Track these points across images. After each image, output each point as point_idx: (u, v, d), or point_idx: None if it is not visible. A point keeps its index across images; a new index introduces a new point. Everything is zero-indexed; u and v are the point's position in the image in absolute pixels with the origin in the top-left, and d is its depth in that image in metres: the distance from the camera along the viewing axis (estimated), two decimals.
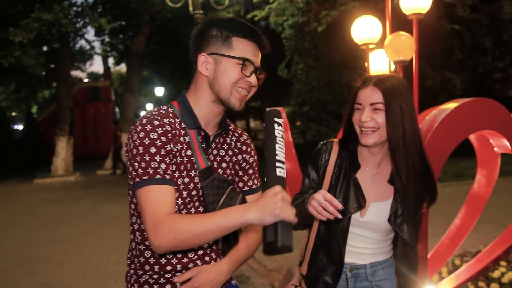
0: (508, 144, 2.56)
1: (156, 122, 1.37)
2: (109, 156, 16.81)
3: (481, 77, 14.96)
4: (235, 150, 1.58)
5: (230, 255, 1.51)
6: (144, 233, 1.43)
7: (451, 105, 2.35)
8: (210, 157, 1.49)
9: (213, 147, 1.51)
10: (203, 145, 1.47)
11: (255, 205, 1.24)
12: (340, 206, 1.53)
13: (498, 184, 3.19)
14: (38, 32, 12.44)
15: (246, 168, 1.61)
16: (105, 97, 23.99)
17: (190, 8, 8.31)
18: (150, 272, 1.43)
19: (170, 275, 1.43)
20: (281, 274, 4.72)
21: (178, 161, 1.39)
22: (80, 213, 8.99)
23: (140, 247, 1.44)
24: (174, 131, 1.39)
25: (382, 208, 1.74)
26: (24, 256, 6.02)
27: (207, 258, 1.48)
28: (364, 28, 3.28)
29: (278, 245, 1.21)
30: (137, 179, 1.32)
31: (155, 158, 1.33)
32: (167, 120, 1.40)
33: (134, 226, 1.46)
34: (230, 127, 1.59)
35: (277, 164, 1.29)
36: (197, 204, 1.45)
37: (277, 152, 1.30)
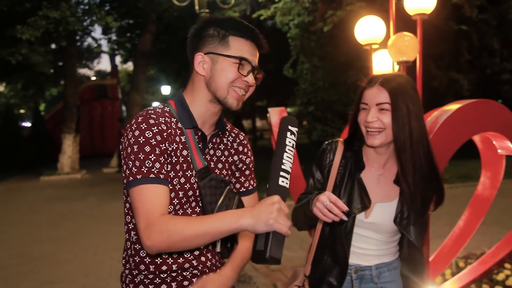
0: (511, 146, 2.53)
1: (151, 121, 1.35)
2: (115, 154, 16.88)
3: (489, 78, 14.83)
4: (231, 150, 1.57)
5: (232, 259, 1.50)
6: None
7: (453, 107, 2.33)
8: (206, 157, 1.48)
9: (209, 147, 1.50)
10: (199, 145, 1.45)
11: (251, 211, 1.21)
12: (346, 208, 1.51)
13: (504, 186, 3.17)
14: (45, 30, 12.51)
15: (243, 169, 1.60)
16: (112, 95, 24.07)
17: (196, 7, 8.31)
18: (145, 272, 1.42)
19: (165, 275, 1.41)
20: (284, 274, 4.72)
21: (174, 161, 1.38)
22: (85, 211, 9.04)
23: (135, 246, 1.43)
24: (169, 130, 1.38)
25: (387, 209, 1.72)
26: (28, 253, 6.06)
27: (203, 259, 1.46)
28: (368, 28, 3.26)
29: (266, 256, 1.18)
30: (131, 178, 1.31)
31: (150, 157, 1.32)
32: (163, 119, 1.39)
33: (129, 225, 1.45)
34: (227, 127, 1.58)
35: (282, 173, 1.26)
36: (193, 204, 1.43)
37: (284, 161, 1.27)
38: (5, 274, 5.21)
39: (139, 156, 1.31)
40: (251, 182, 1.62)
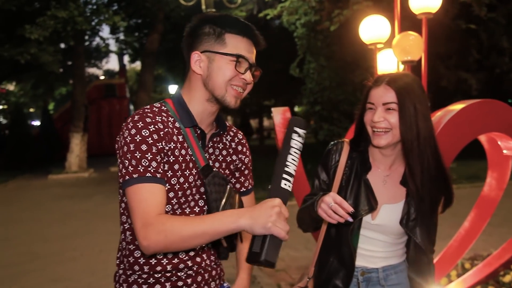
0: None
1: (148, 120, 1.34)
2: None
3: (498, 78, 14.71)
4: (230, 150, 1.56)
5: (243, 263, 1.54)
6: None
7: (457, 107, 2.31)
8: (206, 155, 1.46)
9: (209, 146, 1.49)
10: (199, 143, 1.44)
11: (250, 212, 1.20)
12: (351, 209, 1.49)
13: (511, 187, 3.13)
14: (53, 29, 12.61)
15: (242, 169, 1.60)
16: (120, 94, 24.19)
17: (203, 7, 8.34)
18: (140, 272, 1.40)
19: (159, 275, 1.40)
20: (288, 274, 4.71)
21: (171, 160, 1.36)
22: (91, 209, 9.09)
23: (130, 247, 1.41)
24: (166, 129, 1.36)
25: (394, 210, 1.69)
26: (35, 251, 6.11)
27: (198, 259, 1.45)
28: (372, 28, 3.24)
29: (261, 259, 1.17)
30: (127, 177, 1.29)
31: (146, 155, 1.29)
32: (160, 117, 1.37)
33: (125, 225, 1.43)
34: (226, 126, 1.56)
35: (284, 175, 1.25)
36: (192, 204, 1.42)
37: (287, 163, 1.26)
38: (11, 272, 5.25)
39: (136, 154, 1.29)
40: (250, 181, 1.63)
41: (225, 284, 1.59)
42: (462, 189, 9.27)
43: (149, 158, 1.30)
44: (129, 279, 1.42)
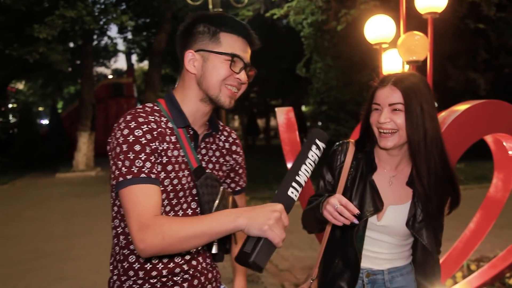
0: None
1: (141, 119, 1.30)
2: None
3: (507, 78, 14.58)
4: (223, 151, 1.54)
5: (239, 267, 1.54)
6: (129, 237, 1.36)
7: (461, 107, 2.29)
8: (198, 156, 1.44)
9: (202, 147, 1.47)
10: (191, 144, 1.42)
11: (249, 211, 1.17)
12: (357, 211, 1.47)
13: None
14: (62, 29, 12.71)
15: (237, 169, 1.59)
16: (127, 93, 24.32)
17: (210, 6, 8.33)
18: (135, 278, 1.37)
19: (155, 280, 1.37)
20: (292, 274, 4.70)
21: (164, 161, 1.33)
22: (98, 208, 9.13)
23: (124, 251, 1.38)
24: (160, 129, 1.33)
25: (400, 211, 1.67)
26: (41, 249, 6.15)
27: (194, 263, 1.42)
28: (377, 28, 3.22)
29: (250, 260, 1.14)
30: (121, 179, 1.25)
31: (140, 156, 1.26)
32: (153, 117, 1.34)
33: (118, 229, 1.40)
34: (220, 126, 1.55)
35: (294, 184, 1.23)
36: (185, 206, 1.39)
37: (300, 172, 1.24)
38: (17, 270, 5.29)
39: (129, 155, 1.25)
40: (244, 179, 1.63)
41: (221, 287, 1.58)
42: (469, 190, 9.19)
43: (143, 158, 1.26)
44: (124, 285, 1.39)
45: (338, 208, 1.49)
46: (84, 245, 6.27)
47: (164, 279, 1.37)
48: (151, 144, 1.29)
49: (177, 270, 1.38)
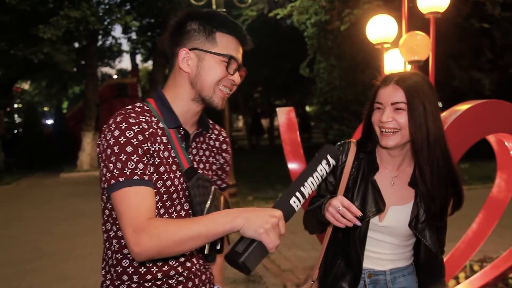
0: None
1: (131, 120, 1.27)
2: None
3: None
4: (213, 149, 1.53)
5: (218, 277, 1.54)
6: (122, 241, 1.33)
7: (462, 107, 2.27)
8: (190, 156, 1.42)
9: (193, 147, 1.45)
10: (182, 144, 1.40)
11: (246, 212, 1.16)
12: (359, 213, 1.46)
13: None
14: (66, 29, 12.77)
15: (224, 166, 1.58)
16: (132, 93, 24.34)
17: (214, 6, 8.34)
18: (129, 282, 1.34)
19: (150, 284, 1.34)
20: (295, 274, 4.69)
21: (157, 162, 1.30)
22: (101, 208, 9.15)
23: (117, 256, 1.35)
24: (151, 130, 1.30)
25: (402, 212, 1.66)
26: (44, 249, 6.17)
27: (188, 264, 1.40)
28: (379, 27, 3.21)
29: (240, 260, 1.12)
30: (113, 181, 1.21)
31: (132, 157, 1.22)
32: (144, 118, 1.30)
33: (110, 233, 1.36)
34: (209, 125, 1.53)
35: (297, 194, 1.23)
36: (178, 208, 1.37)
37: (306, 184, 1.24)
38: (20, 269, 5.31)
39: (121, 157, 1.22)
40: (230, 176, 1.65)
41: (215, 287, 1.56)
42: (474, 190, 9.15)
43: (135, 160, 1.23)
44: None
45: (341, 210, 1.48)
46: (87, 245, 6.28)
47: (159, 282, 1.35)
48: (143, 145, 1.26)
49: (172, 272, 1.36)
